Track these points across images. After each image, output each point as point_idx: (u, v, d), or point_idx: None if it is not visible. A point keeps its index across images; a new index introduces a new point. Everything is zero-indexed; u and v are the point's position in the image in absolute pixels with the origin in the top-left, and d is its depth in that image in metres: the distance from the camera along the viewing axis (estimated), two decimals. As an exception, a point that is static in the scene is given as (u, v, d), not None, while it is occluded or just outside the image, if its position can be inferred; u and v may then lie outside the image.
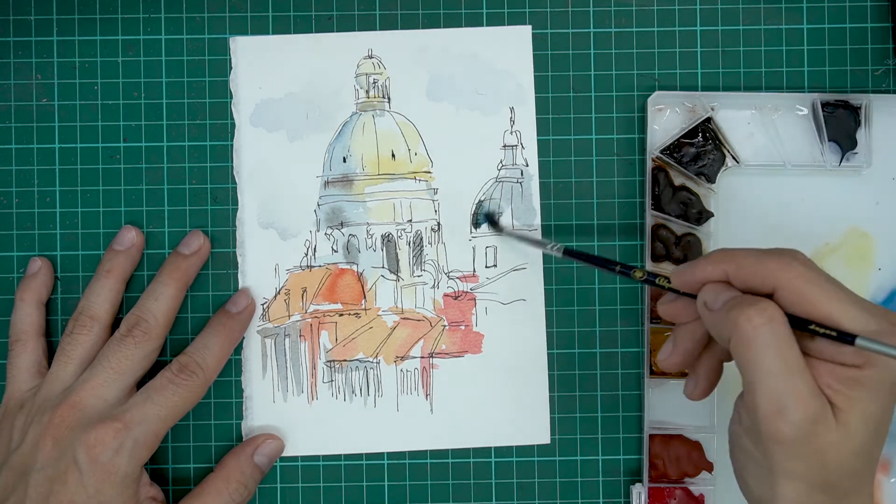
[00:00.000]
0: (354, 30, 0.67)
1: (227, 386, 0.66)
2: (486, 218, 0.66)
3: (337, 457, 0.66)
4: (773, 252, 0.51)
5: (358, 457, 0.66)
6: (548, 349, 0.66)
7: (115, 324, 0.63)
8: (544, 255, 0.66)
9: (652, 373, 0.65)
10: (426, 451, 0.66)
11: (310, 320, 0.66)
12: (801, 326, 0.49)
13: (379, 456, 0.66)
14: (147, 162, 0.66)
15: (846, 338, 0.48)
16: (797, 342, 0.49)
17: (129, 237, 0.65)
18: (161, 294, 0.62)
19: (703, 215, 0.65)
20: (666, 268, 0.65)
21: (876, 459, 0.52)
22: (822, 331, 0.49)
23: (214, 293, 0.66)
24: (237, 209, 0.66)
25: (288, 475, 0.66)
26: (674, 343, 0.55)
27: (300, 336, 0.66)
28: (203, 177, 0.66)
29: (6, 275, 0.66)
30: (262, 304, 0.66)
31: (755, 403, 0.49)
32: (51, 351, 0.65)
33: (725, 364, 0.56)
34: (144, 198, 0.66)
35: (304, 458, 0.66)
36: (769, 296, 0.50)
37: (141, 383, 0.61)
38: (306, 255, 0.66)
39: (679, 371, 0.60)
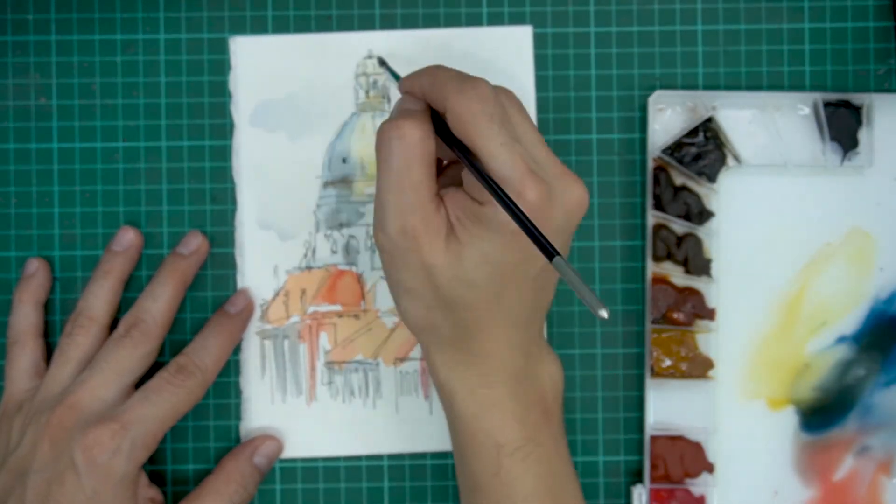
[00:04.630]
0: (354, 29, 0.66)
1: (226, 387, 0.66)
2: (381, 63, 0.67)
3: (336, 458, 0.66)
4: (463, 79, 0.53)
5: (357, 458, 0.66)
6: (548, 350, 0.66)
7: (114, 325, 0.63)
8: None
9: (653, 374, 0.65)
10: (426, 452, 0.66)
11: (309, 321, 0.66)
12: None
13: (378, 457, 0.66)
14: (146, 162, 0.66)
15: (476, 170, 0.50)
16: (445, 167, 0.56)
17: (128, 238, 0.64)
18: (159, 295, 0.62)
19: (704, 215, 0.65)
20: (667, 268, 0.65)
21: (507, 308, 0.55)
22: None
23: (213, 294, 0.66)
24: (236, 209, 0.66)
25: (287, 477, 0.66)
26: None
27: (299, 337, 0.66)
28: (202, 177, 0.66)
29: (4, 275, 0.66)
30: (261, 305, 0.66)
31: (374, 209, 0.54)
32: (49, 352, 0.64)
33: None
34: (143, 198, 0.66)
35: (304, 460, 0.66)
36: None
37: (140, 384, 0.61)
38: (305, 256, 0.66)
39: None
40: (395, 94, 0.66)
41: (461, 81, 0.52)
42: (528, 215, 0.47)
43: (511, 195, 0.48)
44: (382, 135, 0.52)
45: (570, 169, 0.54)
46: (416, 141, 0.52)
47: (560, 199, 0.52)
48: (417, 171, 0.52)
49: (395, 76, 0.62)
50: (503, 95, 0.54)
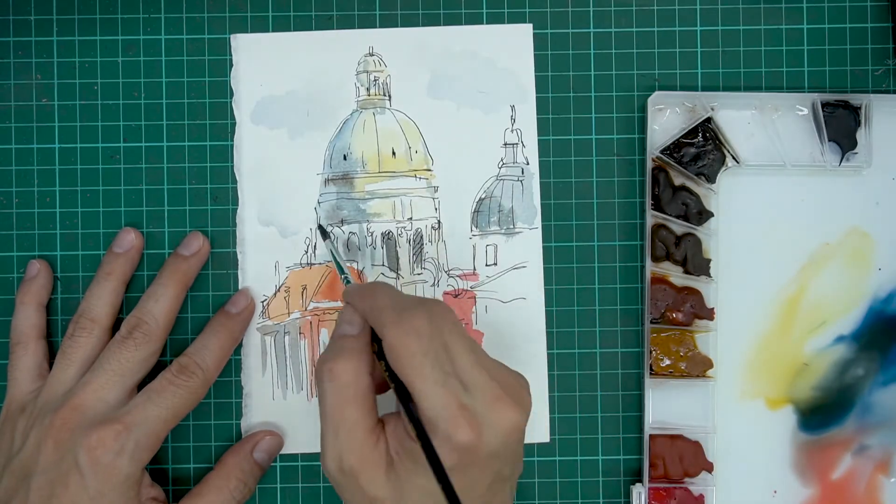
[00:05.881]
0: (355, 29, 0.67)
1: (227, 386, 0.66)
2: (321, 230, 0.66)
3: (337, 456, 0.66)
4: (400, 309, 0.52)
5: (358, 456, 0.66)
6: (548, 349, 0.66)
7: (116, 325, 0.63)
8: (545, 254, 0.66)
9: (652, 373, 0.65)
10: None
11: (309, 318, 0.66)
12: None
13: (379, 455, 0.66)
14: (147, 162, 0.66)
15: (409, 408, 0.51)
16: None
17: (129, 239, 0.65)
18: (161, 296, 0.62)
19: (703, 215, 0.65)
20: (666, 268, 0.65)
21: None
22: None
23: (214, 293, 0.66)
24: (237, 208, 0.66)
25: (288, 475, 0.66)
26: None
27: (300, 333, 0.66)
28: (203, 177, 0.66)
29: (6, 275, 0.66)
30: (262, 302, 0.66)
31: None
32: (52, 352, 0.65)
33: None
34: (144, 198, 0.66)
35: (305, 458, 0.66)
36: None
37: (142, 385, 0.61)
38: (306, 252, 0.66)
39: None
40: (396, 92, 0.66)
41: (398, 313, 0.52)
42: (458, 453, 0.49)
43: (442, 435, 0.49)
44: (317, 374, 0.53)
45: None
46: (349, 382, 0.52)
47: (494, 427, 0.51)
48: (351, 412, 0.52)
49: (340, 269, 0.63)
50: (440, 319, 0.52)
